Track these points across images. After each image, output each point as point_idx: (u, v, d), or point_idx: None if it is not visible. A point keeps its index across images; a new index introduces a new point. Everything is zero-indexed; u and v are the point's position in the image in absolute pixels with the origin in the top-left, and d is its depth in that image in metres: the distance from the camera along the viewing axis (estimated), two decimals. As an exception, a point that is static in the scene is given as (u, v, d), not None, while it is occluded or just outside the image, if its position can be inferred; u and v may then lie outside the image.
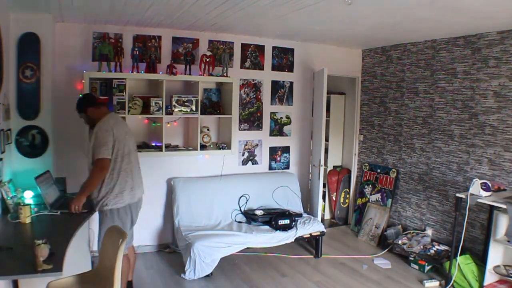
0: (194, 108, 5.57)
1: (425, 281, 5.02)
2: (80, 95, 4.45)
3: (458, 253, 4.88)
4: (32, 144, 4.81)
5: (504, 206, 4.28)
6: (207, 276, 5.01)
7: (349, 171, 7.53)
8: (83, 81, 5.03)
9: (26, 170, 4.61)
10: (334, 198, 7.59)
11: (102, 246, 3.56)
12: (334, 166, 7.76)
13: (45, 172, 4.38)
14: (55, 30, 5.03)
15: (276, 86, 6.59)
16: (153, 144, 5.64)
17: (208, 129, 5.89)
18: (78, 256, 4.22)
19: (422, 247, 5.59)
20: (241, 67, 6.24)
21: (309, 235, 5.71)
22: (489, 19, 4.51)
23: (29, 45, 4.68)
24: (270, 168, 6.71)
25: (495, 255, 4.63)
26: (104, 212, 4.02)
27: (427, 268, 5.34)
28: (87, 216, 3.96)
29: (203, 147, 5.75)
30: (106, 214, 4.01)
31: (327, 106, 6.83)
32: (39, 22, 4.72)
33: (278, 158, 6.75)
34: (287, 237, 5.45)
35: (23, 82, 4.70)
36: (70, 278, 3.27)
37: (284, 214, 5.67)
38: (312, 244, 6.15)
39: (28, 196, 4.29)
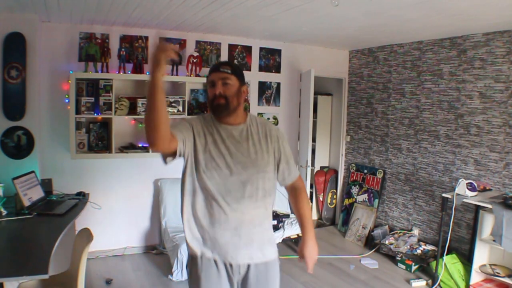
0: (181, 109, 5.56)
1: (412, 281, 5.05)
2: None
3: (445, 253, 4.92)
4: (17, 145, 4.77)
5: (489, 206, 4.33)
6: (195, 277, 4.99)
7: (336, 172, 7.55)
8: (69, 81, 5.00)
9: (11, 172, 4.54)
10: (321, 199, 7.61)
11: (74, 248, 3.39)
12: (321, 167, 7.77)
13: (29, 173, 4.34)
14: (41, 30, 4.98)
15: (263, 86, 6.59)
16: (140, 145, 5.61)
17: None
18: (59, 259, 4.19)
19: (409, 247, 5.62)
20: (228, 68, 6.22)
21: (296, 236, 5.72)
22: (475, 20, 4.55)
23: (14, 45, 4.63)
24: (258, 169, 6.69)
25: (481, 255, 4.68)
26: (277, 261, 2.65)
27: (414, 267, 5.37)
28: (71, 220, 3.91)
29: (190, 148, 5.72)
30: (278, 265, 2.66)
31: (314, 107, 6.86)
32: (25, 22, 4.67)
33: (266, 159, 6.74)
34: (275, 237, 5.46)
35: (8, 82, 4.65)
36: (41, 279, 3.24)
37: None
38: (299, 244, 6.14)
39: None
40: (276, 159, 2.49)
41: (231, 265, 2.39)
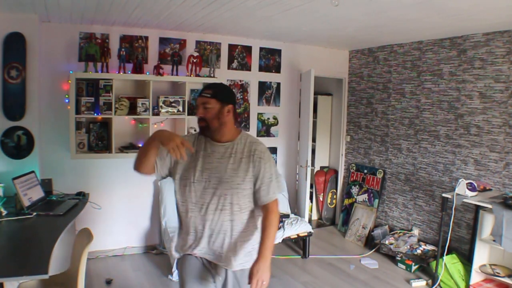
0: (181, 109, 5.56)
1: (412, 281, 5.05)
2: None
3: (445, 253, 4.92)
4: (17, 145, 4.76)
5: (489, 206, 4.32)
6: (195, 277, 4.99)
7: (336, 172, 7.55)
8: (69, 81, 5.00)
9: (11, 172, 4.54)
10: (321, 199, 7.61)
11: (74, 248, 3.40)
12: (321, 167, 7.77)
13: (29, 173, 4.33)
14: (41, 30, 4.97)
15: (263, 87, 6.59)
16: (140, 145, 5.61)
17: (195, 130, 5.86)
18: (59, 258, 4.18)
19: (409, 247, 5.62)
20: (228, 68, 6.23)
21: (296, 236, 5.71)
22: (475, 20, 4.55)
23: (14, 45, 4.63)
24: (258, 169, 6.68)
25: (481, 255, 4.68)
26: (245, 272, 2.62)
27: (414, 267, 5.37)
28: (71, 220, 3.90)
29: (190, 148, 5.73)
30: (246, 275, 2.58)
31: (314, 107, 6.85)
32: (25, 22, 4.67)
33: (266, 159, 6.74)
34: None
35: (8, 82, 4.65)
36: (41, 279, 3.23)
37: (272, 214, 5.65)
38: (299, 244, 6.16)
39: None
40: (254, 178, 2.60)
41: (210, 265, 2.69)
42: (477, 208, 4.78)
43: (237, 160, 2.60)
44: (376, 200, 6.61)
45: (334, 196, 7.52)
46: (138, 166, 2.58)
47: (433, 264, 5.05)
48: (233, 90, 6.29)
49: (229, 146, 2.64)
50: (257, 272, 2.46)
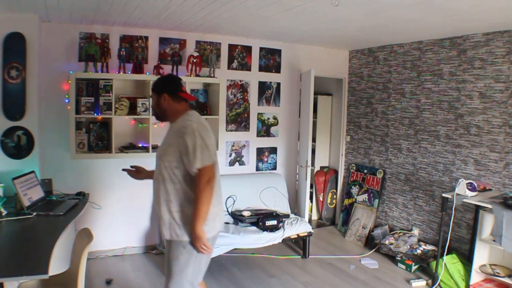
0: (181, 109, 5.55)
1: (412, 281, 5.05)
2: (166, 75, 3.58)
3: (445, 253, 4.92)
4: (17, 145, 4.76)
5: (489, 206, 4.32)
6: (195, 277, 4.99)
7: (336, 172, 7.55)
8: (69, 81, 4.99)
9: (11, 172, 4.54)
10: (321, 199, 7.61)
11: (74, 248, 3.40)
12: (321, 167, 7.77)
13: (29, 173, 4.33)
14: (41, 30, 4.98)
15: (263, 87, 6.59)
16: (140, 145, 5.61)
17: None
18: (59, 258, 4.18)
19: (409, 247, 5.62)
20: (228, 68, 6.23)
21: (296, 236, 5.71)
22: (475, 20, 4.55)
23: (14, 45, 4.62)
24: (257, 169, 6.71)
25: (481, 255, 4.67)
26: (182, 243, 3.01)
27: (414, 267, 5.37)
28: (71, 220, 3.90)
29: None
30: (184, 246, 3.01)
31: (314, 107, 6.84)
32: (25, 22, 4.67)
33: (265, 159, 6.75)
34: (275, 238, 5.45)
35: (8, 82, 4.64)
36: (41, 279, 3.22)
37: (272, 215, 5.67)
38: (299, 244, 6.16)
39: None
40: (180, 152, 2.93)
41: None
42: (477, 208, 4.78)
43: (169, 136, 3.07)
44: (376, 200, 6.61)
45: (334, 196, 7.52)
46: None
47: (433, 264, 5.05)
48: (233, 90, 6.29)
49: (172, 126, 3.11)
50: (193, 241, 2.91)
